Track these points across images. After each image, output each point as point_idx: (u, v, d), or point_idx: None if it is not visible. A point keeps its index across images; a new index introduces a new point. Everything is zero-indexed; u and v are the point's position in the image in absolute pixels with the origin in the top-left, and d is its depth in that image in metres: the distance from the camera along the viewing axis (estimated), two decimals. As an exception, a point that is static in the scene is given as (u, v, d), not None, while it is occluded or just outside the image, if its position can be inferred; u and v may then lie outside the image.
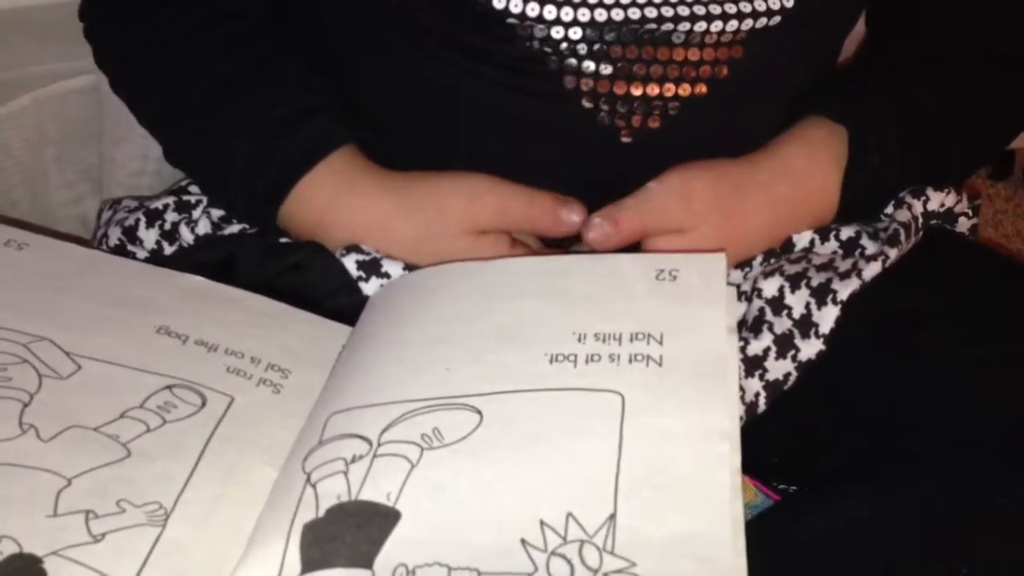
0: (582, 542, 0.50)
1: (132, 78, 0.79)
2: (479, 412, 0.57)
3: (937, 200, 0.76)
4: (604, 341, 0.59)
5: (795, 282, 0.69)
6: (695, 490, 0.52)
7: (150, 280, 0.67)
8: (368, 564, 0.51)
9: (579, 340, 0.59)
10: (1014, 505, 0.59)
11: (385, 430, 0.57)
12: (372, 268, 0.69)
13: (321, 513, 0.54)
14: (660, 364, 0.57)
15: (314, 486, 0.55)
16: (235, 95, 0.74)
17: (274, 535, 0.54)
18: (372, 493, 0.54)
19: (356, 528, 0.53)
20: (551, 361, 0.59)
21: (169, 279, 0.68)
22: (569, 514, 0.51)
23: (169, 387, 0.60)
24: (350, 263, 0.70)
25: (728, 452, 0.53)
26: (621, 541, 0.50)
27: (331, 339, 0.67)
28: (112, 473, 0.55)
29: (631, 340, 0.59)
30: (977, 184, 1.42)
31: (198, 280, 0.68)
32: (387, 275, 0.69)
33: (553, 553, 0.50)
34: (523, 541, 0.51)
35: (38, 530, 0.51)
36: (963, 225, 0.78)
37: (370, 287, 0.69)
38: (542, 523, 0.51)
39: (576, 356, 0.59)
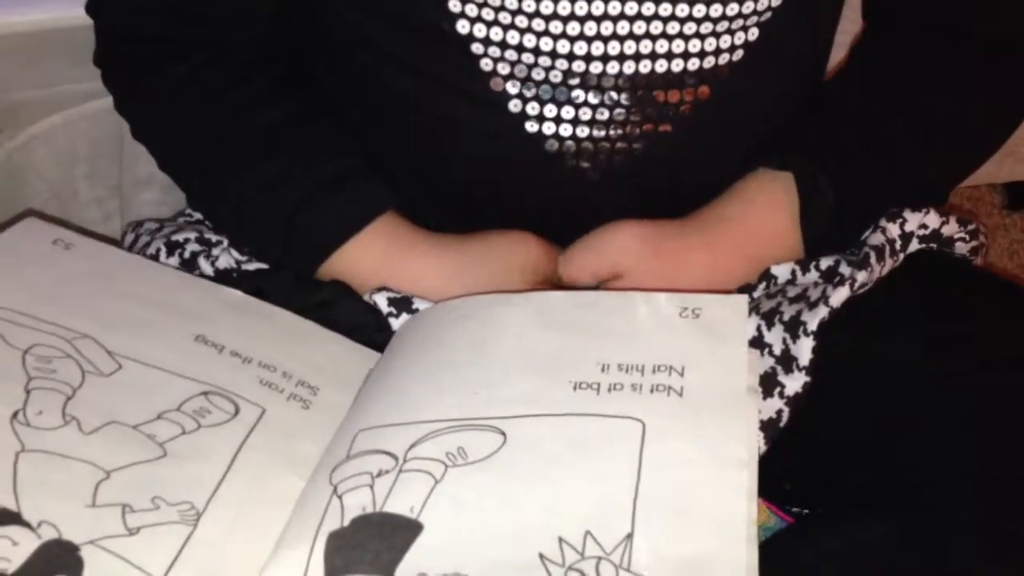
0: (599, 559, 0.52)
1: (155, 131, 0.80)
2: (503, 433, 0.58)
3: (916, 221, 0.75)
4: (627, 372, 0.61)
5: (770, 319, 0.70)
6: (712, 514, 0.53)
7: (191, 289, 0.70)
8: (389, 572, 0.53)
9: (603, 370, 0.61)
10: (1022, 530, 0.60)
11: (411, 447, 0.59)
12: (403, 305, 0.71)
13: (346, 523, 0.56)
14: (681, 395, 0.59)
15: (340, 497, 0.57)
16: (273, 153, 0.74)
17: (300, 541, 0.56)
18: (396, 506, 0.56)
19: (379, 538, 0.54)
20: (575, 388, 0.61)
21: (209, 290, 0.70)
22: (587, 532, 0.53)
23: (204, 393, 0.62)
24: (381, 300, 0.71)
25: (746, 480, 0.54)
26: (637, 559, 0.51)
27: (359, 362, 0.69)
28: (148, 470, 0.57)
29: (653, 372, 0.61)
30: (993, 214, 1.41)
31: (237, 294, 0.70)
32: (417, 311, 0.71)
33: (571, 568, 0.52)
34: (541, 556, 0.52)
35: (77, 518, 0.53)
36: (961, 249, 0.78)
37: (399, 324, 0.71)
38: (560, 539, 0.53)
39: (599, 385, 0.60)
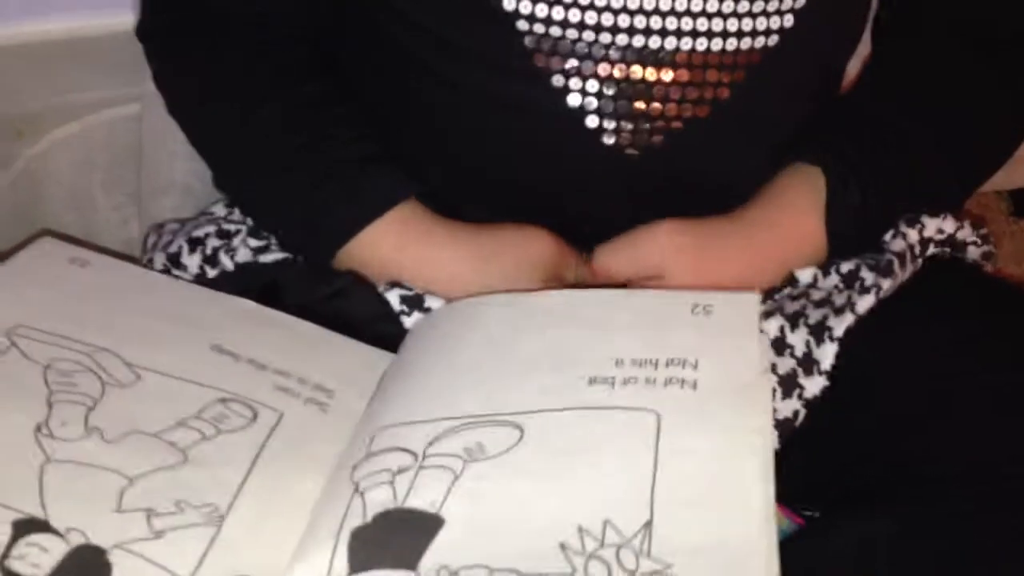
0: (619, 546, 0.52)
1: (189, 103, 0.81)
2: (520, 428, 0.59)
3: (934, 226, 0.77)
4: (641, 366, 0.62)
5: (794, 321, 0.71)
6: (729, 500, 0.54)
7: (204, 301, 0.70)
8: (412, 566, 0.54)
9: (617, 365, 0.62)
10: None
11: (430, 444, 0.59)
12: (415, 303, 0.72)
13: (368, 520, 0.56)
14: (695, 388, 0.60)
15: (362, 495, 0.58)
16: (299, 138, 0.75)
17: (324, 539, 0.56)
18: (417, 502, 0.56)
19: (402, 533, 0.55)
20: (589, 383, 0.61)
21: (222, 301, 0.71)
22: (606, 521, 0.53)
23: (223, 400, 0.63)
24: (393, 297, 0.72)
25: (761, 467, 0.55)
26: (657, 546, 0.52)
27: (373, 365, 0.69)
28: (171, 476, 0.57)
29: (667, 365, 0.61)
30: (999, 221, 1.41)
31: (249, 304, 0.71)
32: (429, 310, 0.72)
33: (591, 556, 0.52)
34: (562, 545, 0.53)
35: (103, 524, 0.54)
36: (973, 253, 0.79)
37: (411, 321, 0.72)
38: (580, 528, 0.53)
39: (614, 379, 0.61)
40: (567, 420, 0.60)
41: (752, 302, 0.66)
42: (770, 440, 0.57)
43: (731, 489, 0.55)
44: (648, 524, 0.53)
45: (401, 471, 0.58)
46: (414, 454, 0.59)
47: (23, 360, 0.62)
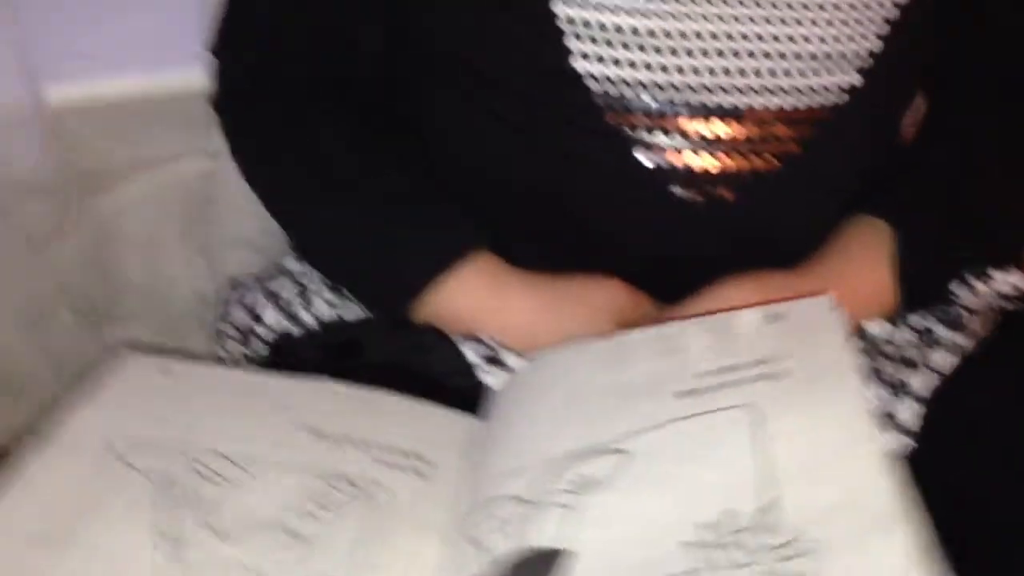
0: (744, 529, 0.53)
1: (262, 170, 0.83)
2: (622, 452, 0.60)
3: (1004, 280, 0.77)
4: (726, 373, 0.63)
5: (867, 375, 0.70)
6: (846, 463, 0.55)
7: (288, 386, 0.71)
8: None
9: (702, 376, 0.63)
10: None
11: (535, 484, 0.60)
12: (492, 359, 0.73)
13: (486, 566, 0.57)
14: (787, 376, 0.61)
15: (476, 545, 0.59)
16: (371, 192, 0.77)
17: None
18: (534, 541, 0.57)
19: (520, 572, 0.56)
20: (678, 397, 0.63)
21: (305, 386, 0.71)
22: (726, 511, 0.54)
23: (327, 481, 0.63)
24: (471, 353, 0.73)
25: (868, 429, 0.56)
26: (785, 520, 0.53)
27: (463, 429, 0.70)
28: (298, 563, 0.58)
29: (755, 365, 0.63)
30: None
31: (331, 382, 0.71)
32: (506, 365, 0.73)
33: (716, 546, 0.53)
34: (685, 543, 0.54)
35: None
36: None
37: (489, 377, 0.72)
38: (700, 524, 0.54)
39: (701, 388, 0.63)
40: (663, 434, 0.61)
41: (824, 303, 0.67)
42: (869, 406, 0.58)
43: (844, 451, 0.56)
44: (769, 503, 0.54)
45: (513, 516, 0.59)
46: (522, 499, 0.60)
47: (129, 471, 0.62)
